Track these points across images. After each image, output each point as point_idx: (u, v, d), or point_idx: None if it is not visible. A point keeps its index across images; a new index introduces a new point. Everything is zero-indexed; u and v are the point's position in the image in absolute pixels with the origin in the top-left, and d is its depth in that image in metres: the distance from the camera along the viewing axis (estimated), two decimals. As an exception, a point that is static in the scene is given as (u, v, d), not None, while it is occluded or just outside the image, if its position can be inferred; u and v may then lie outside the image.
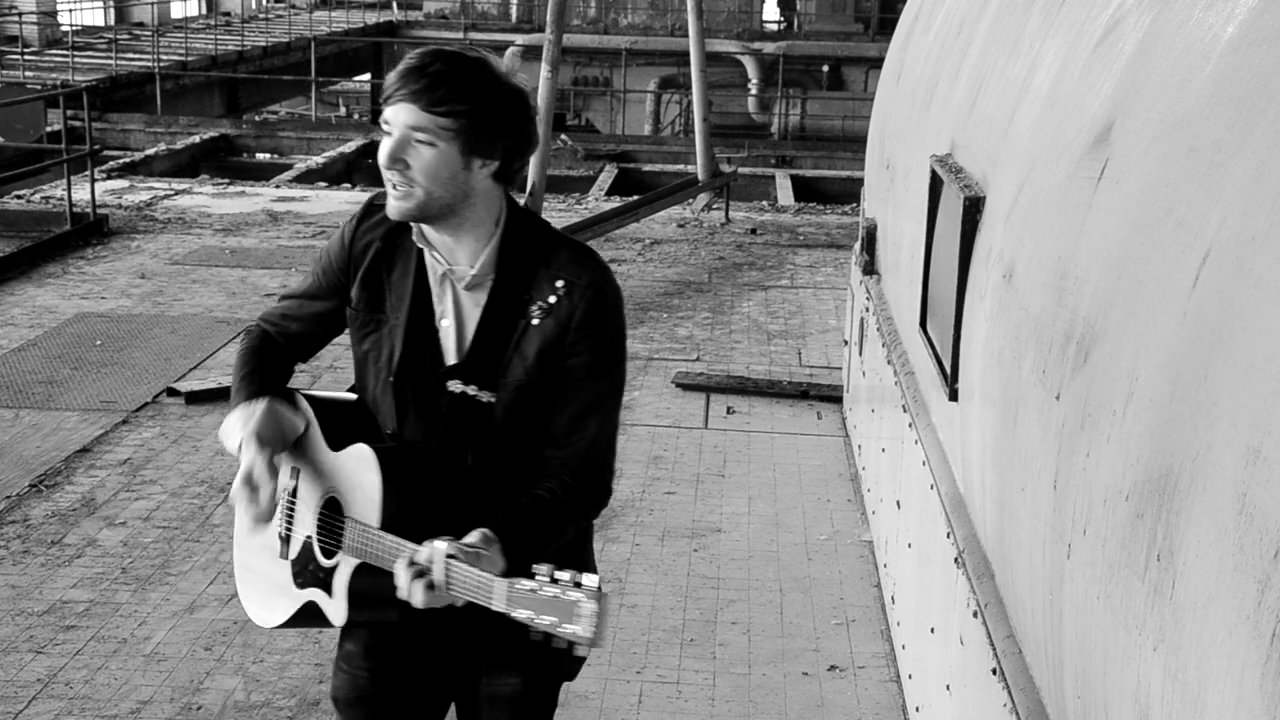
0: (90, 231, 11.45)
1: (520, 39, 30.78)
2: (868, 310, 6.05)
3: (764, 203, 14.97)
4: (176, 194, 13.85)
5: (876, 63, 22.77)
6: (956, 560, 3.24)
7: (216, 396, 7.29)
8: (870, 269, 6.08)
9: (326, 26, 34.52)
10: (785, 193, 16.67)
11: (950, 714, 3.44)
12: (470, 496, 2.38)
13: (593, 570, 2.40)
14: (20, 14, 28.54)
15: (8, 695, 4.35)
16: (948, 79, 4.26)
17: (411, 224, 2.37)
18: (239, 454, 2.39)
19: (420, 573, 2.15)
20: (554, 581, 2.00)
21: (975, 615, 2.97)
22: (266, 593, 2.57)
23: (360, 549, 2.32)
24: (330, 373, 7.63)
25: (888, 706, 4.50)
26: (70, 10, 31.62)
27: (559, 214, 12.54)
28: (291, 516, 2.50)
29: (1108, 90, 2.38)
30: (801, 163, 19.66)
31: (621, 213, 11.88)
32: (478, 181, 2.31)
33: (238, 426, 2.42)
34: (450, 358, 2.42)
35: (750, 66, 30.92)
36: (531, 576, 2.02)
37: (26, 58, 24.75)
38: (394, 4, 40.40)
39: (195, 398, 7.33)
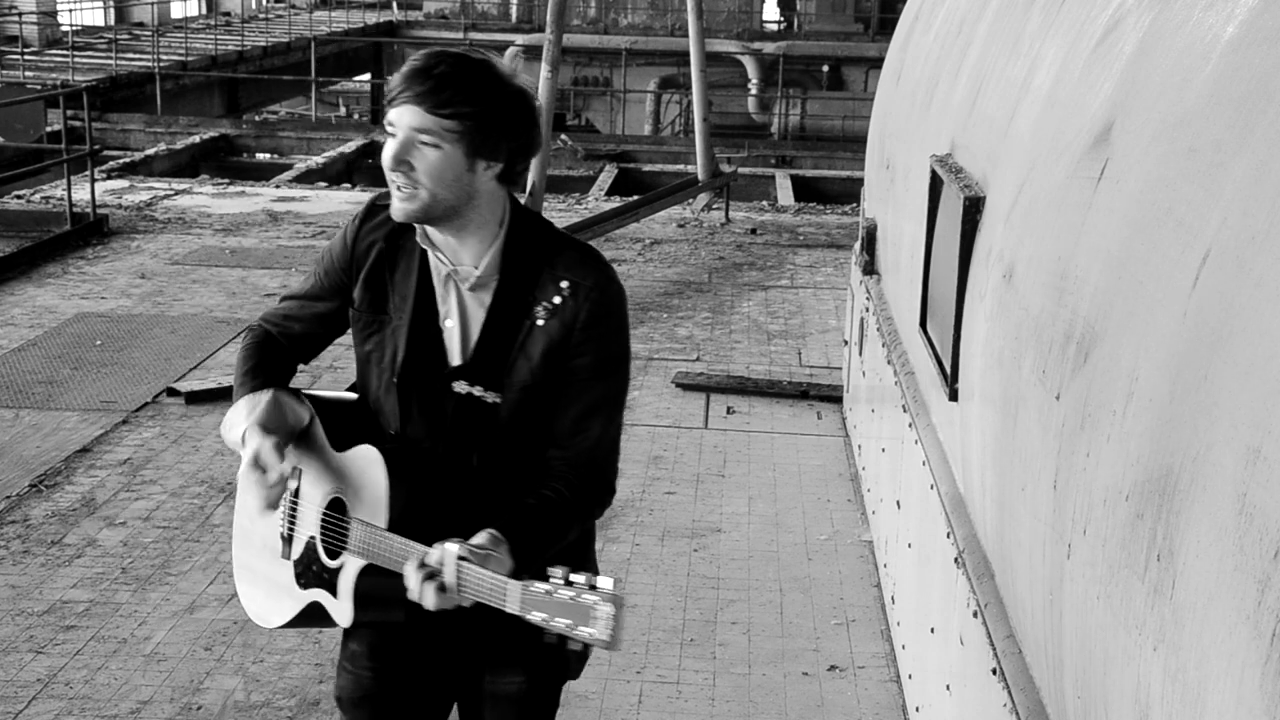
0: (90, 231, 11.45)
1: (520, 39, 30.77)
2: (868, 310, 6.05)
3: (764, 203, 14.97)
4: (176, 194, 13.85)
5: (876, 63, 22.76)
6: (956, 560, 3.24)
7: (216, 396, 7.30)
8: (870, 269, 6.08)
9: (326, 26, 34.52)
10: (785, 193, 16.67)
11: (950, 714, 3.44)
12: (476, 497, 2.39)
13: (595, 570, 2.40)
14: (20, 14, 28.54)
15: (8, 695, 4.35)
16: (948, 79, 4.26)
17: (415, 225, 2.37)
18: (241, 446, 2.38)
19: (431, 575, 2.15)
20: (569, 584, 2.00)
21: (975, 615, 2.97)
22: (268, 592, 2.57)
23: (366, 550, 2.32)
24: (330, 373, 7.63)
25: (888, 706, 4.50)
26: (70, 10, 31.63)
27: (559, 214, 12.54)
28: (294, 516, 2.50)
29: (1108, 90, 2.38)
30: (801, 163, 19.66)
31: (621, 213, 11.88)
32: (482, 183, 2.31)
33: (241, 418, 2.41)
34: (454, 358, 2.42)
35: (750, 66, 30.92)
36: (546, 579, 2.02)
37: (26, 58, 24.75)
38: (394, 4, 40.40)
39: (195, 398, 7.32)
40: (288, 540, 2.51)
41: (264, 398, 2.42)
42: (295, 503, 2.49)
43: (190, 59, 26.29)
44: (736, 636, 4.96)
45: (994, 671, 2.74)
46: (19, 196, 13.24)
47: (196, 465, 6.41)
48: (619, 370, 2.45)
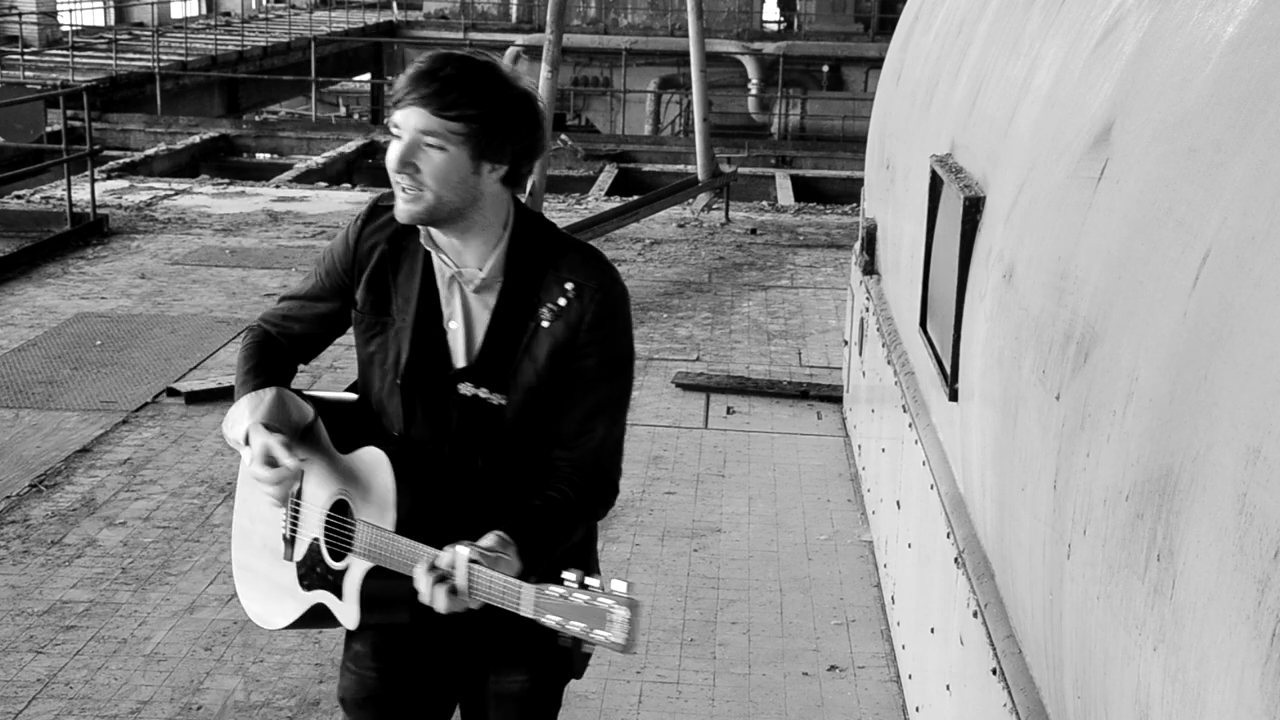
0: (90, 231, 11.45)
1: (520, 39, 30.77)
2: (868, 310, 6.05)
3: (764, 203, 14.97)
4: (176, 194, 13.85)
5: (876, 63, 22.77)
6: (956, 560, 3.24)
7: (216, 396, 7.30)
8: (870, 269, 6.08)
9: (326, 26, 34.52)
10: (785, 193, 16.67)
11: (950, 714, 3.44)
12: (481, 499, 2.39)
13: (596, 570, 2.40)
14: (20, 14, 28.54)
15: (8, 695, 4.35)
16: (948, 79, 4.26)
17: (419, 227, 2.37)
18: (243, 444, 2.38)
19: (442, 578, 2.15)
20: (584, 588, 2.00)
21: (975, 615, 2.97)
22: (269, 594, 2.57)
23: (373, 552, 2.32)
24: (330, 373, 7.63)
25: (888, 706, 4.50)
26: (70, 10, 31.63)
27: (559, 214, 12.54)
28: (296, 518, 2.50)
29: (1108, 90, 2.38)
30: (801, 163, 19.66)
31: (621, 213, 11.88)
32: (487, 185, 2.32)
33: (244, 415, 2.40)
34: (458, 360, 2.42)
35: (750, 66, 30.92)
36: (560, 582, 2.02)
37: (26, 58, 24.75)
38: (394, 4, 40.40)
39: (195, 398, 7.32)
40: (290, 542, 2.51)
41: (267, 395, 2.42)
42: (298, 504, 2.49)
43: (190, 59, 26.29)
44: (736, 636, 4.96)
45: (994, 671, 2.74)
46: (19, 196, 13.24)
47: (196, 465, 6.41)
48: (623, 371, 2.45)
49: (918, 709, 4.12)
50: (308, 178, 16.93)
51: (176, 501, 5.98)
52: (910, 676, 4.35)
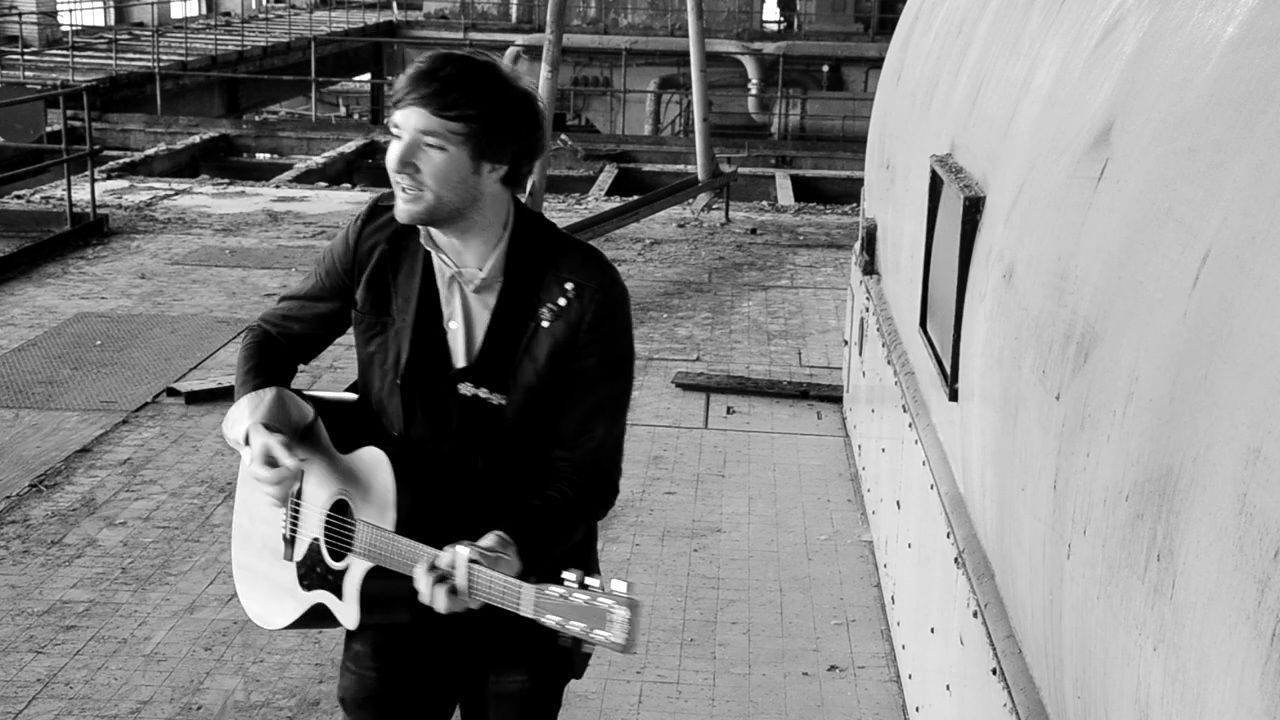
0: (90, 231, 11.45)
1: (520, 39, 30.77)
2: (868, 310, 6.05)
3: (764, 203, 14.97)
4: (176, 194, 13.85)
5: (876, 63, 22.77)
6: (956, 560, 3.24)
7: (216, 396, 7.30)
8: (870, 269, 6.08)
9: (326, 26, 34.52)
10: (785, 193, 16.67)
11: (950, 714, 3.44)
12: (481, 499, 2.39)
13: (596, 570, 2.40)
14: (20, 14, 28.54)
15: (8, 695, 4.35)
16: (948, 79, 4.26)
17: (419, 227, 2.37)
18: (243, 444, 2.38)
19: (442, 578, 2.15)
20: (584, 587, 2.00)
21: (975, 615, 2.97)
22: (269, 594, 2.57)
23: (373, 552, 2.32)
24: (330, 373, 7.63)
25: (888, 706, 4.50)
26: (70, 10, 31.63)
27: (559, 214, 12.54)
28: (296, 518, 2.50)
29: (1108, 90, 2.38)
30: (801, 163, 19.66)
31: (621, 213, 11.88)
32: (487, 185, 2.32)
33: (244, 415, 2.40)
34: (458, 361, 2.42)
35: (750, 66, 30.92)
36: (560, 582, 2.02)
37: (26, 58, 24.75)
38: (394, 4, 40.40)
39: (195, 398, 7.32)
40: (290, 542, 2.51)
41: (267, 395, 2.42)
42: (298, 504, 2.49)
43: (190, 59, 26.29)
44: (736, 636, 4.96)
45: (994, 671, 2.74)
46: (19, 196, 13.24)
47: (196, 465, 6.41)
48: (623, 371, 2.45)
49: (918, 709, 4.12)
50: (308, 178, 16.93)
51: (176, 501, 5.98)
52: (910, 676, 4.35)
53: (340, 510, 2.41)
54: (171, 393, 7.42)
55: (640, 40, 31.30)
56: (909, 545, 4.37)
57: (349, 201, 13.56)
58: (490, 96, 2.26)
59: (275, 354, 2.57)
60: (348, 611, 2.40)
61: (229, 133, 20.89)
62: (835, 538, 5.87)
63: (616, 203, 13.91)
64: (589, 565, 2.47)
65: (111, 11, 34.63)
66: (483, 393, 2.39)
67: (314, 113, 26.33)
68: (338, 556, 2.41)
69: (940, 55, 4.56)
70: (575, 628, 2.00)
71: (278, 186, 14.87)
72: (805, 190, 17.14)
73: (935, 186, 3.80)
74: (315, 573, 2.46)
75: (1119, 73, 2.35)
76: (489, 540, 2.18)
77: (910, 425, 4.29)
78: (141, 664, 4.58)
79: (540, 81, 10.72)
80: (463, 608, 2.16)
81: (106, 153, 17.22)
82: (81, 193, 12.05)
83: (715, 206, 13.73)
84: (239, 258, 10.93)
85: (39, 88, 19.84)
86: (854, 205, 13.39)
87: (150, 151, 18.57)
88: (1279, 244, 1.54)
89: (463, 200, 2.30)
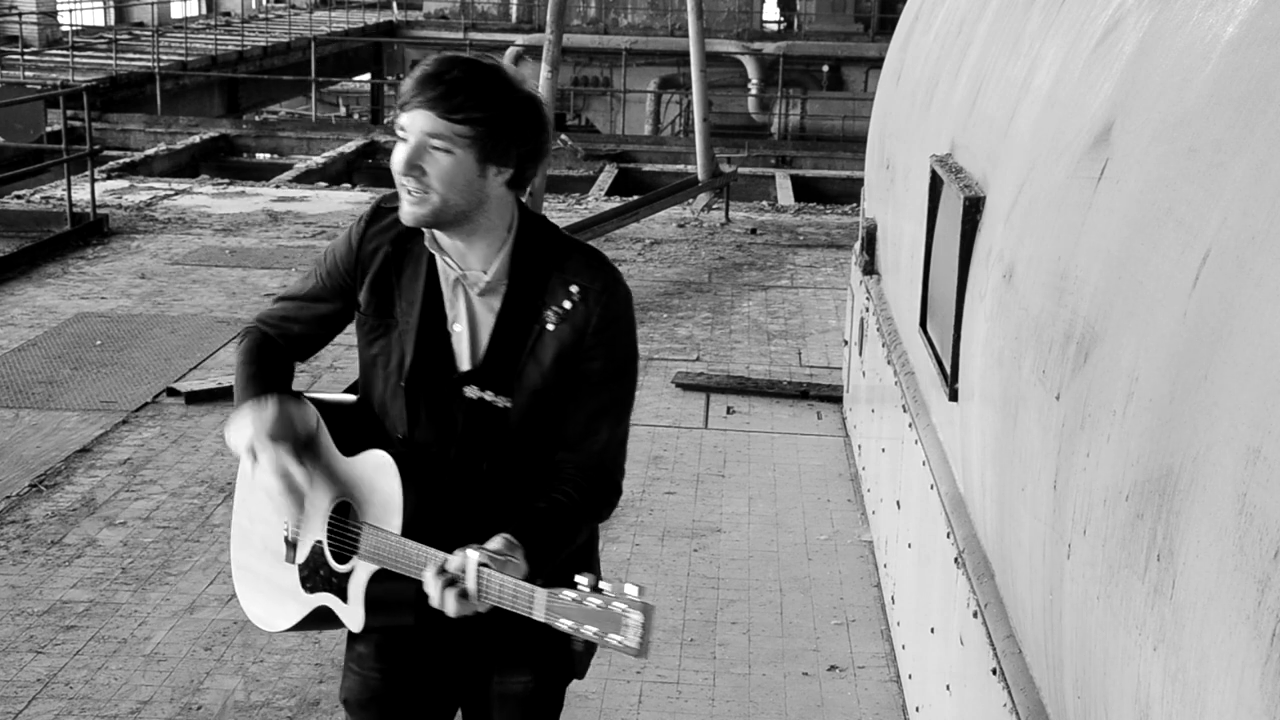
0: (90, 231, 11.45)
1: (520, 39, 30.77)
2: (868, 310, 6.05)
3: (764, 203, 14.97)
4: (176, 194, 13.85)
5: (876, 63, 22.77)
6: (956, 560, 3.24)
7: (216, 396, 7.30)
8: (870, 269, 6.08)
9: (326, 26, 34.52)
10: (785, 193, 16.67)
11: (950, 714, 3.44)
12: (486, 501, 2.39)
13: (598, 571, 2.40)
14: (20, 14, 28.54)
15: (8, 695, 4.35)
16: (948, 79, 4.26)
17: (424, 229, 2.37)
18: (249, 455, 2.37)
19: (452, 581, 2.15)
20: (597, 591, 2.00)
21: (975, 615, 2.97)
22: (270, 596, 2.56)
23: (379, 555, 2.31)
24: (330, 373, 7.63)
25: (888, 706, 4.50)
26: (70, 10, 31.63)
27: (559, 214, 12.54)
28: (299, 520, 2.49)
29: (1108, 90, 2.38)
30: (801, 163, 19.66)
31: (621, 213, 11.88)
32: (492, 188, 2.32)
33: (247, 425, 2.39)
34: (463, 363, 2.41)
35: (750, 66, 30.92)
36: (573, 586, 2.02)
37: (26, 58, 24.74)
38: (394, 4, 40.40)
39: (195, 398, 7.32)
40: (292, 544, 2.50)
41: (270, 406, 2.40)
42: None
43: (190, 59, 26.29)
44: (736, 636, 4.96)
45: (994, 671, 2.74)
46: (19, 196, 13.23)
47: (196, 465, 6.41)
48: (627, 373, 2.46)
49: (918, 709, 4.12)
50: (308, 178, 16.93)
51: (176, 501, 5.98)
52: (910, 676, 4.35)
53: (342, 512, 2.40)
54: (171, 393, 7.42)
55: (640, 40, 31.30)
56: (909, 545, 4.37)
57: (349, 202, 13.56)
58: (497, 100, 2.26)
59: (275, 357, 2.57)
60: (353, 614, 2.40)
61: (229, 133, 20.89)
62: (835, 538, 5.87)
63: (616, 203, 13.91)
64: (591, 566, 2.47)
65: (111, 11, 34.63)
66: (488, 396, 2.39)
67: (314, 113, 26.34)
68: (341, 559, 2.41)
69: (940, 55, 4.56)
70: (588, 632, 2.00)
71: (278, 186, 14.87)
72: (805, 190, 17.14)
73: (935, 186, 3.80)
74: (318, 575, 2.45)
75: (1119, 73, 2.35)
76: (496, 543, 2.18)
77: (910, 425, 4.29)
78: (141, 664, 4.58)
79: (540, 81, 10.72)
80: (471, 611, 2.16)
81: (106, 153, 17.22)
82: (81, 193, 12.05)
83: (715, 206, 13.73)
84: (239, 258, 10.93)
85: (39, 88, 19.84)
86: (854, 205, 13.39)
87: (150, 151, 18.57)
88: (1279, 244, 1.53)
89: (468, 203, 2.30)
